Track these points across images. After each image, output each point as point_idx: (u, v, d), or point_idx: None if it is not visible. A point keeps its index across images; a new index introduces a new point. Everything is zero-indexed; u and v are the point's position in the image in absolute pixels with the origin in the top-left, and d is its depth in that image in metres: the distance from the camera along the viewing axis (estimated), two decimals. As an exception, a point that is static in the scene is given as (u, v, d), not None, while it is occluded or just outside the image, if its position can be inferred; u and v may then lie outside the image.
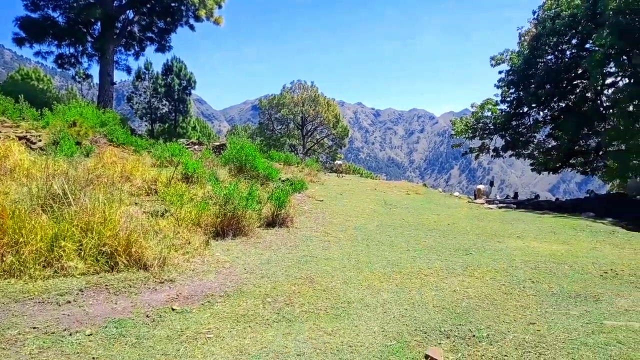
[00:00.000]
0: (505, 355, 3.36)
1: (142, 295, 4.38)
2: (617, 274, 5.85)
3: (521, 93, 20.21)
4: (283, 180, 11.24)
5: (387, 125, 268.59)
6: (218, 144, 16.85)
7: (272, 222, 7.83)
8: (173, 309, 4.10)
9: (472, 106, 22.99)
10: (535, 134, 22.06)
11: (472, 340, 3.64)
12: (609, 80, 19.66)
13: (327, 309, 4.33)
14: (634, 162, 15.86)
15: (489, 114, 21.89)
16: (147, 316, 3.91)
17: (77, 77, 25.35)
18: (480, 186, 18.96)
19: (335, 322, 4.01)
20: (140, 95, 31.34)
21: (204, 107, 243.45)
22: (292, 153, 32.17)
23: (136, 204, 7.07)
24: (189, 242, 5.93)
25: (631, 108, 17.42)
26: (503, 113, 21.43)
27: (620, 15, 14.89)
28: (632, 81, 16.29)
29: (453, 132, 22.96)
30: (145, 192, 8.16)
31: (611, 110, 18.75)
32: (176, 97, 31.36)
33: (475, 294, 4.83)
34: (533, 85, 19.04)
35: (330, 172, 22.69)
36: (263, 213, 7.93)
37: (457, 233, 8.52)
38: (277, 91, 44.36)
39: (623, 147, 17.05)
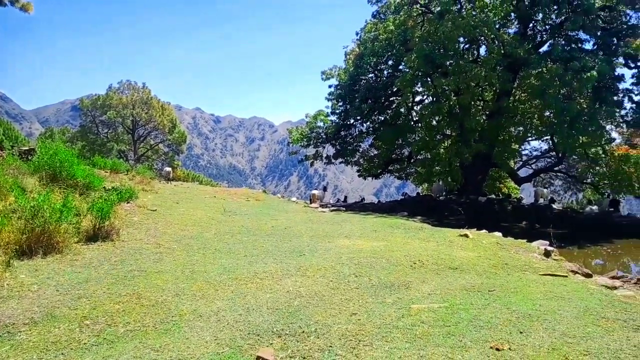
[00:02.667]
0: (330, 346, 3.64)
1: None
2: (423, 264, 6.83)
3: (348, 106, 22.28)
4: (108, 190, 10.19)
5: (228, 132, 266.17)
6: (26, 148, 14.40)
7: (94, 236, 7.03)
8: (-44, 348, 3.38)
9: (306, 116, 24.44)
10: (361, 144, 24.51)
11: (302, 336, 3.85)
12: (417, 98, 23.01)
13: (156, 324, 4.09)
14: (437, 168, 18.85)
15: (322, 124, 23.58)
16: None
17: None
18: (315, 191, 20.19)
19: (164, 337, 3.81)
20: None
21: (9, 105, 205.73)
22: (121, 160, 29.39)
23: None
24: (-18, 266, 4.94)
25: (434, 122, 20.69)
26: (333, 124, 23.28)
27: (424, 43, 17.61)
28: (434, 100, 19.35)
29: (290, 141, 24.06)
30: None
31: (419, 124, 21.94)
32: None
33: (307, 292, 5.12)
34: (357, 100, 21.17)
35: (167, 181, 21.48)
36: (83, 226, 7.07)
37: (292, 236, 8.90)
38: (103, 91, 40.15)
39: (428, 155, 20.09)
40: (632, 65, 18.15)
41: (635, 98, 18.63)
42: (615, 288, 6.24)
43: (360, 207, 19.61)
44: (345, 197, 28.66)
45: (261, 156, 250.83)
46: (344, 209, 17.63)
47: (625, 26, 17.79)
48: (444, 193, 21.01)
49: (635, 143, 18.62)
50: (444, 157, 18.30)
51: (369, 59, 21.07)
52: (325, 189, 24.03)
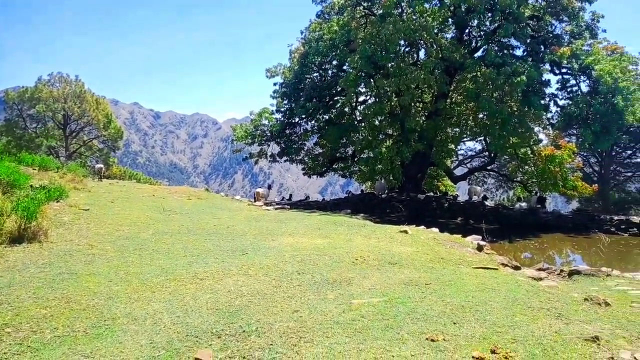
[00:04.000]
0: (271, 344, 3.63)
1: None
2: (364, 260, 6.97)
3: (293, 105, 22.27)
4: (35, 188, 9.50)
5: (168, 128, 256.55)
6: (-62, 144, 13.12)
7: (19, 238, 6.53)
8: None
9: (251, 114, 24.16)
10: (306, 142, 24.60)
11: (242, 335, 3.80)
12: (361, 98, 23.45)
13: (87, 329, 3.87)
14: (379, 166, 19.31)
15: (266, 122, 23.40)
16: None
17: None
18: (259, 189, 20.02)
19: (96, 342, 3.61)
20: None
21: None
22: (51, 156, 27.51)
23: None
24: None
25: (377, 122, 21.20)
26: (278, 122, 23.17)
27: (367, 45, 17.97)
28: (377, 100, 19.83)
29: (234, 138, 23.66)
30: None
31: (362, 124, 22.38)
32: None
33: (249, 291, 5.06)
34: (302, 98, 21.23)
35: (100, 178, 20.39)
36: (6, 227, 6.55)
37: (235, 235, 8.76)
38: (31, 83, 37.30)
39: (371, 154, 20.54)
40: (557, 71, 19.64)
41: (560, 102, 20.23)
42: (541, 279, 6.71)
43: (305, 205, 19.70)
44: (290, 195, 28.63)
45: (204, 154, 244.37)
46: (289, 207, 17.63)
47: (551, 35, 19.19)
48: (386, 191, 21.56)
49: (559, 144, 20.12)
50: (386, 156, 18.78)
51: (314, 58, 21.18)
52: (270, 187, 23.88)
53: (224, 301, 4.72)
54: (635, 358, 3.43)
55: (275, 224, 10.59)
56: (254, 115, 23.64)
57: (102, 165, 23.02)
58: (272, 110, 23.46)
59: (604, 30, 19.70)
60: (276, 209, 15.54)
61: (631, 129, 31.13)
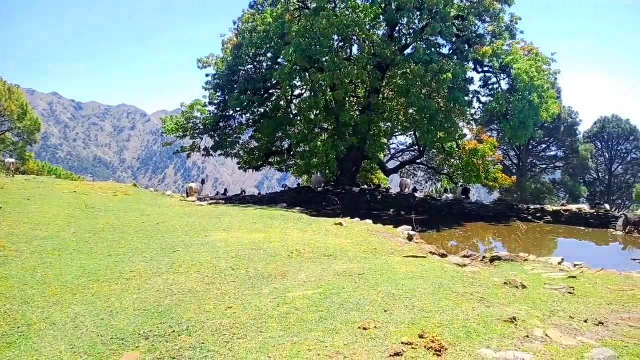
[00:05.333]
0: (203, 343, 3.53)
1: None
2: (300, 253, 7.00)
3: (227, 97, 21.65)
4: None
5: (92, 120, 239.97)
6: None
7: None
8: None
9: (182, 106, 23.20)
10: (241, 136, 24.07)
11: (172, 335, 3.67)
12: (296, 92, 23.38)
13: (-3, 338, 3.53)
14: (315, 160, 19.42)
15: (199, 114, 22.58)
16: None
17: None
18: (192, 184, 19.42)
19: (8, 351, 3.32)
20: None
21: None
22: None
23: None
24: None
25: (312, 116, 21.27)
26: (211, 114, 22.43)
27: (301, 38, 17.93)
28: (312, 94, 19.84)
29: (164, 131, 22.61)
30: None
31: (298, 117, 22.35)
32: None
33: (179, 290, 4.89)
34: (237, 91, 20.70)
35: (12, 174, 18.71)
36: None
37: (165, 232, 8.43)
38: None
39: (307, 148, 20.58)
40: (480, 69, 20.83)
41: (483, 99, 21.46)
42: (465, 266, 7.12)
43: (241, 199, 19.38)
44: (226, 190, 28.08)
45: (132, 147, 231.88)
46: (224, 202, 17.27)
47: (474, 35, 20.29)
48: (323, 184, 21.77)
49: (482, 138, 21.41)
50: (322, 150, 18.91)
51: (248, 49, 20.75)
52: (204, 182, 23.22)
53: (153, 301, 4.52)
54: (547, 335, 3.75)
55: (208, 219, 10.33)
56: (185, 107, 22.69)
57: (13, 160, 21.11)
58: (205, 103, 22.65)
59: (522, 32, 21.23)
60: (210, 204, 15.15)
61: (545, 125, 34.00)
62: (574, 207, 18.18)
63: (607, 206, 19.12)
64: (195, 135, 22.53)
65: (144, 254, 6.52)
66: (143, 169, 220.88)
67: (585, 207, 18.25)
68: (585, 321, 4.20)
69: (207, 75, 22.62)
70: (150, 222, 9.53)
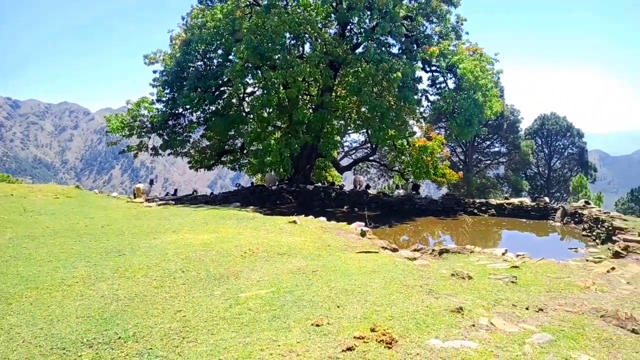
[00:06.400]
0: (151, 348, 3.40)
1: None
2: (253, 252, 6.92)
3: (176, 94, 20.96)
4: None
5: (30, 119, 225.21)
6: None
7: None
8: None
9: (128, 103, 22.23)
10: (191, 134, 23.39)
11: (118, 342, 3.51)
12: (248, 90, 23.06)
13: None
14: (268, 159, 19.26)
15: (146, 112, 21.70)
16: None
17: None
18: (140, 185, 18.72)
19: None
20: None
21: None
22: None
23: None
24: None
25: (265, 114, 21.06)
26: (160, 112, 21.63)
27: (252, 35, 17.68)
28: (264, 92, 19.62)
29: (109, 130, 21.57)
30: None
31: (251, 115, 22.07)
32: None
33: (126, 295, 4.69)
34: (186, 88, 20.10)
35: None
36: None
37: (111, 235, 8.07)
38: None
39: (260, 146, 20.38)
40: (428, 69, 21.46)
41: (431, 97, 22.13)
42: (415, 259, 7.32)
43: (192, 199, 18.86)
44: (176, 190, 27.27)
45: (75, 147, 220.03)
46: (174, 202, 16.78)
47: (422, 35, 20.86)
48: (277, 183, 21.63)
49: (431, 136, 22.09)
50: (275, 148, 18.79)
51: (197, 46, 20.22)
52: (152, 182, 22.36)
53: (97, 307, 4.31)
54: (491, 323, 3.92)
55: (157, 221, 10.00)
56: (132, 105, 21.75)
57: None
58: (153, 100, 21.78)
59: (467, 32, 22.06)
60: (159, 205, 14.67)
61: (489, 122, 35.63)
62: (516, 201, 19.11)
63: (547, 199, 20.26)
64: (143, 133, 21.67)
65: (88, 259, 6.21)
66: (87, 169, 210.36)
67: (527, 200, 19.23)
68: (527, 308, 4.43)
69: (155, 72, 21.83)
70: (94, 225, 9.10)
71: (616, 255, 9.25)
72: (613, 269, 6.88)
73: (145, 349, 3.39)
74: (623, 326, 3.93)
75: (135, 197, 17.08)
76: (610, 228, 12.19)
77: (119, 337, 3.59)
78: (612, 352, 3.40)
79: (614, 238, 11.27)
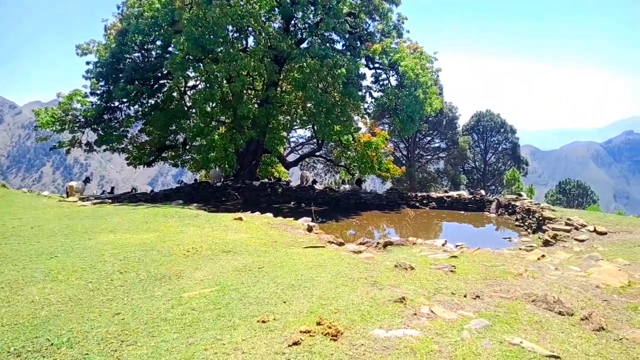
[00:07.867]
0: (87, 354, 3.23)
1: None
2: (197, 250, 6.75)
3: (111, 87, 19.91)
4: None
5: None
6: None
7: None
8: None
9: (58, 96, 20.81)
10: (129, 129, 22.34)
11: (50, 349, 3.30)
12: (190, 83, 22.37)
13: None
14: (212, 154, 18.80)
15: (79, 105, 20.43)
16: None
17: None
18: (73, 183, 17.65)
19: None
20: None
21: None
22: None
23: None
24: None
25: (208, 109, 20.53)
26: (94, 106, 20.46)
27: (193, 27, 17.11)
28: (207, 85, 19.09)
29: (38, 125, 20.11)
30: None
31: (193, 110, 21.43)
32: None
33: (58, 299, 4.41)
34: (122, 80, 19.13)
35: None
36: None
37: (42, 236, 7.55)
38: None
39: (204, 142, 19.83)
40: (371, 66, 21.87)
41: (374, 94, 22.60)
42: (361, 252, 7.46)
43: (130, 197, 18.04)
44: (112, 188, 25.99)
45: (0, 143, 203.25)
46: (110, 201, 15.98)
47: (365, 32, 21.22)
48: (222, 179, 21.19)
49: (375, 131, 22.58)
50: (220, 144, 18.37)
51: (134, 36, 19.29)
52: (87, 180, 21.10)
53: (26, 313, 4.02)
54: (432, 311, 4.08)
55: (92, 220, 9.48)
56: (63, 98, 20.39)
57: None
58: (86, 93, 20.53)
59: (408, 31, 22.69)
60: (94, 204, 13.92)
61: (429, 119, 37.03)
62: (455, 194, 20.00)
63: (483, 192, 21.40)
64: (76, 128, 20.41)
65: (15, 262, 5.77)
66: (14, 167, 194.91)
67: (465, 193, 20.19)
68: (465, 296, 4.65)
69: (88, 63, 20.61)
70: (23, 226, 8.47)
71: (546, 243, 9.98)
72: (543, 256, 7.40)
73: (81, 354, 3.20)
74: (551, 309, 4.24)
75: (68, 196, 16.09)
76: (541, 218, 13.10)
77: (51, 344, 3.37)
78: (542, 333, 3.66)
79: (544, 227, 12.14)
